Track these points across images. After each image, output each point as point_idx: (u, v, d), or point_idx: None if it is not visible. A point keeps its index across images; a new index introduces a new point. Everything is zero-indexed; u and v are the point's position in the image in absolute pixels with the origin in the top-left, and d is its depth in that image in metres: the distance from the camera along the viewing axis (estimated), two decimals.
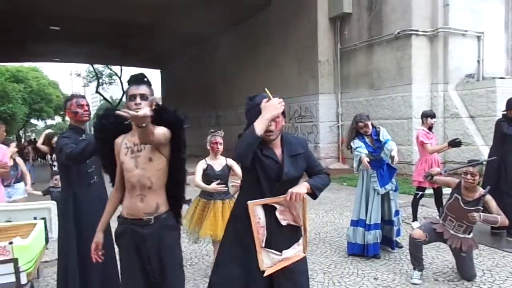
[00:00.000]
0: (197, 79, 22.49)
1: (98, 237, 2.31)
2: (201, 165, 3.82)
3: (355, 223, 4.44)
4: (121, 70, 33.38)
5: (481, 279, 3.67)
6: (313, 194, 2.23)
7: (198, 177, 3.75)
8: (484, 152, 9.33)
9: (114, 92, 41.06)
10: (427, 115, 5.62)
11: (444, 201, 3.99)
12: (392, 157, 4.21)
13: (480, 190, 3.61)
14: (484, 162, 3.74)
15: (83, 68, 34.77)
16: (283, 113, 2.16)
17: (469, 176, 3.54)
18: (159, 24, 17.28)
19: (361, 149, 4.31)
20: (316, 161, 2.41)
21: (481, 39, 10.61)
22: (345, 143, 4.63)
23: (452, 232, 3.61)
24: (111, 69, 34.13)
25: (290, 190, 2.12)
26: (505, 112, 5.02)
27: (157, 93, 47.80)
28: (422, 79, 10.46)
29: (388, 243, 4.52)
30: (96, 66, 33.84)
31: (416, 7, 10.35)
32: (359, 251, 4.37)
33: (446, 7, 10.27)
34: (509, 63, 11.24)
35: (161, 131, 2.09)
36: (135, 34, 18.75)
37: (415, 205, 5.61)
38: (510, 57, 11.28)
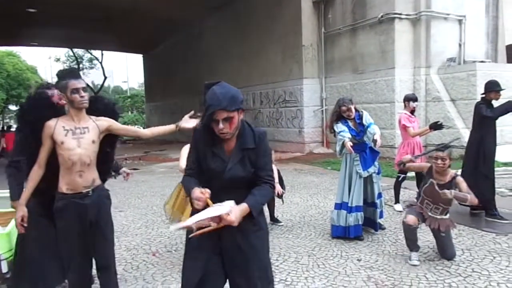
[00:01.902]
0: (181, 65, 22.20)
1: (23, 210, 2.58)
2: (186, 150, 3.75)
3: (338, 206, 4.51)
4: (102, 54, 32.70)
5: (460, 258, 3.78)
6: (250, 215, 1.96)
7: (182, 162, 3.71)
8: (465, 134, 9.51)
9: (95, 77, 40.28)
10: (409, 99, 5.69)
11: None
12: (375, 141, 4.26)
13: (451, 173, 3.71)
14: (452, 144, 3.81)
15: (63, 52, 33.72)
16: (241, 108, 1.97)
17: (439, 161, 3.61)
18: (141, 7, 16.89)
19: (344, 133, 4.35)
20: (266, 164, 2.09)
21: (462, 23, 10.72)
22: (328, 127, 4.66)
23: (430, 214, 3.71)
24: (91, 54, 33.38)
25: (229, 218, 1.82)
26: (483, 95, 5.12)
27: (140, 78, 47.08)
28: (405, 63, 10.54)
29: (372, 225, 4.61)
30: (76, 50, 33.02)
31: None
32: (342, 233, 4.44)
33: None
34: (489, 47, 11.40)
35: (120, 126, 2.76)
36: (117, 17, 18.31)
37: (397, 188, 5.72)
38: (491, 41, 11.44)
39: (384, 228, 4.72)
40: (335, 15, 12.41)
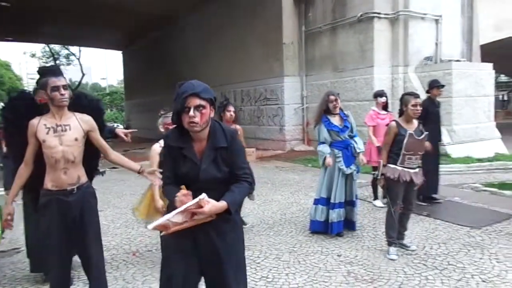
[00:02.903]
0: (160, 61, 21.96)
1: (9, 208, 2.62)
2: (156, 150, 3.46)
3: (316, 201, 4.59)
4: (80, 51, 32.01)
5: (436, 252, 3.88)
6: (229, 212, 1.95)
7: (155, 165, 3.35)
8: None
9: (72, 74, 39.38)
10: (376, 95, 5.83)
11: None
12: (358, 157, 4.50)
13: (415, 121, 3.92)
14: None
15: (39, 48, 32.83)
16: (211, 103, 1.95)
17: (418, 107, 3.80)
18: (121, 2, 16.62)
19: (324, 148, 4.43)
20: (241, 162, 2.06)
21: (439, 23, 10.94)
22: (314, 120, 4.68)
23: (406, 170, 3.80)
24: (68, 50, 32.64)
25: (204, 209, 1.83)
26: (428, 93, 5.39)
27: (119, 75, 46.38)
28: (384, 61, 10.71)
29: (349, 225, 4.62)
30: (52, 46, 32.21)
31: None
32: (319, 228, 4.50)
33: None
34: (464, 46, 11.68)
35: (98, 137, 2.76)
36: (95, 12, 17.94)
37: (374, 184, 5.82)
38: (466, 41, 11.72)
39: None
40: (315, 13, 12.50)
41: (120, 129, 3.46)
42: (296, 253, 4.01)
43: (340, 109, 4.59)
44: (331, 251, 4.03)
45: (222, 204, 1.91)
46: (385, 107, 5.76)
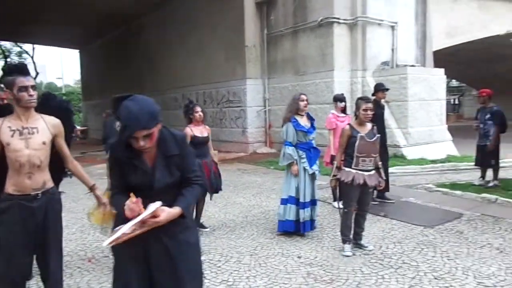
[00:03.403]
0: (120, 61, 21.39)
1: None
2: None
3: (285, 201, 4.60)
4: (33, 48, 30.61)
5: (392, 251, 4.02)
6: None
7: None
8: (397, 133, 10.13)
9: None
10: (336, 99, 5.96)
11: None
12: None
13: (369, 123, 4.04)
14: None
15: None
16: (158, 123, 1.89)
17: (368, 111, 3.93)
18: (76, 0, 16.04)
19: (291, 151, 4.48)
20: (192, 164, 2.10)
21: (395, 29, 11.36)
22: (283, 119, 4.72)
23: (361, 172, 3.89)
24: (21, 47, 31.11)
25: (158, 219, 1.84)
26: (374, 96, 5.78)
27: (76, 75, 44.73)
28: (343, 65, 10.98)
29: (311, 223, 4.71)
30: (3, 43, 30.56)
31: None
32: (291, 228, 4.54)
33: None
34: (418, 52, 12.19)
35: (63, 143, 2.66)
36: (50, 9, 17.22)
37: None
38: (419, 47, 12.24)
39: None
40: (277, 17, 12.62)
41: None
42: (257, 256, 4.02)
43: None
44: (291, 253, 4.06)
45: (176, 210, 1.92)
46: (344, 110, 5.91)
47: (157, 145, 1.97)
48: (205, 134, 4.77)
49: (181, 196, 1.99)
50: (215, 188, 4.86)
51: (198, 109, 4.75)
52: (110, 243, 1.84)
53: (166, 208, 1.88)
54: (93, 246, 4.47)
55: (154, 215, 1.83)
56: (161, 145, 1.98)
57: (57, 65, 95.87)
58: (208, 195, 4.91)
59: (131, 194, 1.86)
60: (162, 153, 1.98)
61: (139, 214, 1.82)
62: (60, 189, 2.87)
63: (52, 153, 2.58)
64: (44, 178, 2.52)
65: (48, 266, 2.59)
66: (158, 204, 1.84)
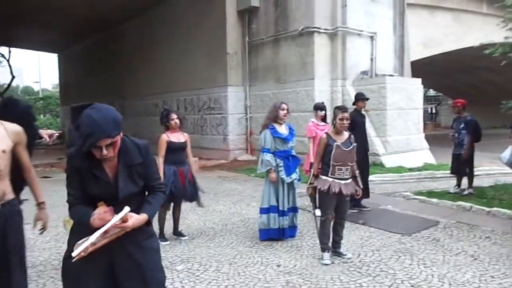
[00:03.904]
0: (100, 66, 21.11)
1: None
2: None
3: (266, 210, 4.63)
4: (10, 52, 29.85)
5: (370, 259, 4.05)
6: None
7: None
8: (376, 142, 10.28)
9: (1, 76, 36.68)
10: (317, 108, 6.02)
11: None
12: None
13: (346, 132, 4.09)
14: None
15: None
16: (120, 131, 1.89)
17: (345, 121, 3.98)
18: (55, 3, 15.77)
19: (269, 158, 4.51)
20: (155, 172, 2.11)
21: (374, 39, 11.59)
22: (262, 125, 4.76)
23: (337, 181, 3.92)
24: None
25: (124, 218, 1.83)
26: (354, 105, 5.98)
27: (55, 79, 43.86)
28: (323, 74, 11.11)
29: (290, 231, 4.76)
30: None
31: (318, 6, 10.93)
32: (274, 235, 4.60)
33: (344, 8, 11.02)
34: (396, 62, 12.46)
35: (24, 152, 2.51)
36: (28, 12, 16.86)
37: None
38: (398, 57, 12.51)
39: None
40: (259, 25, 12.70)
41: (43, 130, 3.25)
42: (236, 265, 3.99)
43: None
44: (270, 261, 4.05)
45: (143, 216, 1.95)
46: (323, 119, 5.96)
47: (118, 154, 1.94)
48: (182, 140, 4.74)
49: (147, 203, 2.02)
50: (189, 196, 4.78)
51: (174, 116, 4.72)
52: (78, 255, 1.78)
53: (134, 214, 1.88)
54: None
55: (122, 220, 1.82)
56: (123, 154, 1.95)
57: (34, 69, 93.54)
58: (197, 203, 4.89)
59: (100, 203, 1.84)
60: (124, 162, 1.96)
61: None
62: (32, 198, 2.77)
63: (13, 161, 2.45)
64: (4, 189, 2.36)
65: (10, 282, 2.39)
66: (127, 209, 1.83)
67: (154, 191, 2.08)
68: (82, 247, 1.78)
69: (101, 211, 1.81)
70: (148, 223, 1.99)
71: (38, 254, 4.38)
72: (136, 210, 1.93)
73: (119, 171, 1.94)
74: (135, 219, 1.89)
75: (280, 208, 4.57)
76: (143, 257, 2.01)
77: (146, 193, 2.11)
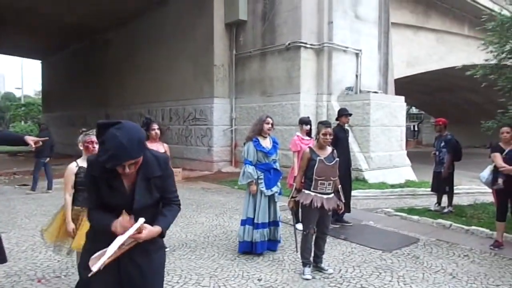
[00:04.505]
0: (84, 74, 20.92)
1: None
2: (72, 170, 3.28)
3: (243, 222, 4.64)
4: None
5: (351, 275, 4.05)
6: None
7: (69, 189, 3.24)
8: (359, 157, 10.38)
9: None
10: (302, 122, 6.06)
11: None
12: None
13: (329, 147, 4.12)
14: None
15: None
16: (144, 150, 1.91)
17: (328, 136, 4.01)
18: (39, 9, 15.63)
19: (251, 169, 4.53)
20: (172, 185, 2.11)
21: (359, 56, 11.80)
22: (246, 138, 4.76)
23: (319, 195, 3.92)
24: None
25: (140, 228, 1.86)
26: (337, 120, 6.09)
27: (37, 86, 43.17)
28: (309, 89, 11.24)
29: (271, 245, 4.74)
30: None
31: (304, 21, 11.11)
32: (247, 248, 4.57)
33: (330, 25, 11.22)
34: (381, 79, 12.69)
35: None
36: (11, 18, 16.67)
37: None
38: (382, 74, 12.75)
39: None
40: (246, 38, 12.82)
41: (29, 137, 3.17)
42: (217, 278, 3.94)
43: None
44: (251, 275, 4.02)
45: (157, 229, 1.96)
46: (308, 133, 6.00)
47: (138, 167, 1.95)
48: (162, 151, 4.70)
49: (162, 216, 2.03)
50: None
51: (155, 126, 4.69)
52: (103, 264, 1.80)
53: (148, 226, 1.90)
54: (44, 265, 4.24)
55: (138, 231, 1.85)
56: (143, 167, 1.95)
57: (17, 75, 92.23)
58: None
59: (124, 212, 1.86)
60: (144, 175, 1.96)
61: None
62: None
63: None
64: None
65: None
66: (141, 220, 1.85)
67: (170, 204, 2.08)
68: (101, 262, 1.78)
69: (124, 219, 1.82)
70: (161, 235, 2.00)
71: (13, 264, 4.24)
72: (149, 221, 1.94)
73: (137, 183, 1.94)
74: (149, 230, 1.90)
75: (255, 221, 4.55)
76: (151, 270, 2.03)
77: (161, 204, 2.11)
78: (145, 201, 1.96)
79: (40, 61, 27.79)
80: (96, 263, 1.80)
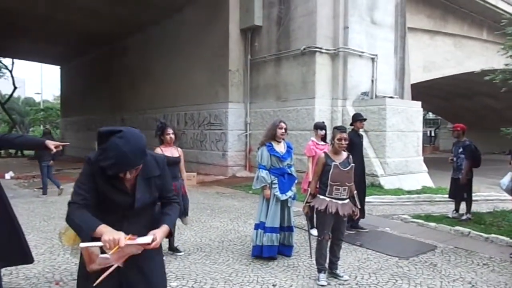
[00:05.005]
0: (102, 80, 21.29)
1: None
2: None
3: (256, 226, 4.65)
4: (13, 63, 30.12)
5: (367, 282, 4.00)
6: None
7: None
8: (375, 163, 10.28)
9: (2, 86, 36.90)
10: (317, 127, 6.04)
11: None
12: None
13: (344, 152, 4.08)
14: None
15: None
16: (146, 156, 1.94)
17: (343, 141, 3.98)
18: (59, 17, 16.00)
19: (267, 176, 4.53)
20: (169, 185, 2.17)
21: (375, 61, 11.72)
22: (260, 143, 4.77)
23: (334, 201, 3.90)
24: (0, 62, 30.57)
25: (154, 238, 1.88)
26: (352, 126, 6.01)
27: (56, 91, 44.08)
28: (324, 94, 11.20)
29: (284, 250, 4.73)
30: None
31: (320, 26, 11.09)
32: (258, 252, 4.57)
33: (346, 30, 11.16)
34: (397, 84, 12.57)
35: None
36: (32, 25, 17.11)
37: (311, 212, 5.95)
38: (398, 79, 12.63)
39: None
40: (261, 43, 12.86)
41: (50, 141, 3.17)
42: (232, 283, 3.94)
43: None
44: (266, 281, 4.00)
45: (165, 228, 1.98)
46: (323, 138, 5.98)
47: None
48: (176, 155, 4.76)
49: (166, 215, 2.06)
50: (183, 210, 4.82)
51: (170, 131, 4.74)
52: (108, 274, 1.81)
53: (157, 231, 1.92)
54: (62, 268, 4.30)
55: (148, 243, 1.86)
56: (143, 167, 1.97)
57: (36, 80, 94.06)
58: (180, 219, 4.87)
59: (130, 236, 1.83)
60: (143, 174, 1.99)
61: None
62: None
63: None
64: None
65: None
66: (149, 238, 1.87)
67: (170, 203, 2.13)
68: (105, 274, 1.80)
69: (121, 235, 1.77)
70: (170, 233, 2.03)
71: (32, 267, 4.31)
72: (147, 220, 1.99)
73: (137, 183, 1.96)
74: (162, 232, 1.94)
75: (266, 225, 4.54)
76: (153, 272, 2.06)
77: (160, 204, 2.15)
78: (146, 200, 1.99)
79: (59, 67, 28.35)
80: (100, 277, 1.80)
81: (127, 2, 14.20)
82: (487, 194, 9.30)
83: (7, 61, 30.10)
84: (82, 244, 1.80)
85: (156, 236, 1.89)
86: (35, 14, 15.77)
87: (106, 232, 1.78)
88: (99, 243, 1.77)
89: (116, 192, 1.93)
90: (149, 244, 1.85)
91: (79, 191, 1.91)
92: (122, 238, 1.76)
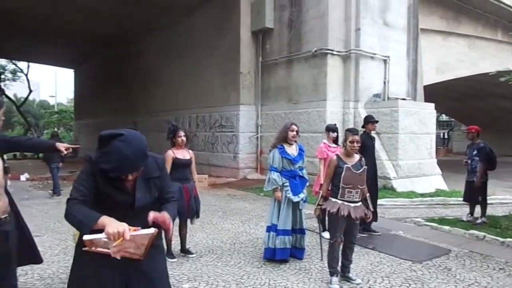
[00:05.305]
0: (114, 82, 21.51)
1: None
2: None
3: (268, 228, 4.64)
4: (28, 66, 30.66)
5: (380, 285, 3.96)
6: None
7: None
8: (387, 165, 10.19)
9: (18, 89, 37.57)
10: (329, 129, 6.01)
11: None
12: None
13: (357, 155, 4.05)
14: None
15: None
16: (147, 158, 1.97)
17: (355, 143, 3.96)
18: (73, 21, 16.24)
19: (278, 178, 4.53)
20: (169, 185, 2.21)
21: (387, 63, 11.63)
22: (272, 145, 4.77)
23: (346, 204, 3.86)
24: (16, 65, 31.14)
25: (164, 217, 1.97)
26: (364, 128, 5.98)
27: (70, 94, 44.71)
28: (336, 96, 11.14)
29: (296, 253, 4.72)
30: None
31: (331, 29, 11.05)
32: (270, 255, 4.56)
33: (357, 31, 11.11)
34: (409, 86, 12.45)
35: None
36: (46, 29, 17.39)
37: (323, 215, 5.92)
38: (411, 81, 12.51)
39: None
40: (272, 46, 12.87)
41: (61, 144, 3.22)
42: (243, 285, 3.94)
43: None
44: (278, 284, 3.99)
45: (166, 214, 2.02)
46: (335, 140, 5.95)
47: None
48: (188, 157, 4.78)
49: (166, 209, 2.07)
50: (195, 212, 4.83)
51: (181, 133, 4.76)
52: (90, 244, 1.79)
53: (160, 213, 1.99)
54: None
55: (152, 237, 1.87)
56: (143, 168, 1.99)
57: (51, 83, 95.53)
58: (188, 220, 4.89)
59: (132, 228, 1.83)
60: (144, 175, 2.01)
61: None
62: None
63: None
64: (6, 201, 2.50)
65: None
66: (152, 230, 1.87)
67: (169, 202, 2.16)
68: (100, 250, 1.78)
69: (125, 227, 1.76)
70: (167, 229, 2.05)
71: (46, 267, 4.37)
72: (144, 220, 1.97)
73: (138, 183, 1.99)
74: (167, 217, 1.99)
75: (278, 227, 4.54)
76: (157, 275, 2.08)
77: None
78: (146, 200, 2.00)
79: (72, 70, 28.76)
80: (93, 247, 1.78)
81: (139, 6, 14.33)
82: (502, 197, 9.14)
83: (22, 64, 30.70)
84: (86, 236, 1.78)
85: (166, 220, 1.96)
86: (49, 18, 16.01)
87: (110, 224, 1.75)
88: (103, 235, 1.75)
89: (117, 191, 1.95)
90: (153, 234, 1.85)
91: (78, 188, 1.92)
92: (127, 230, 1.75)
